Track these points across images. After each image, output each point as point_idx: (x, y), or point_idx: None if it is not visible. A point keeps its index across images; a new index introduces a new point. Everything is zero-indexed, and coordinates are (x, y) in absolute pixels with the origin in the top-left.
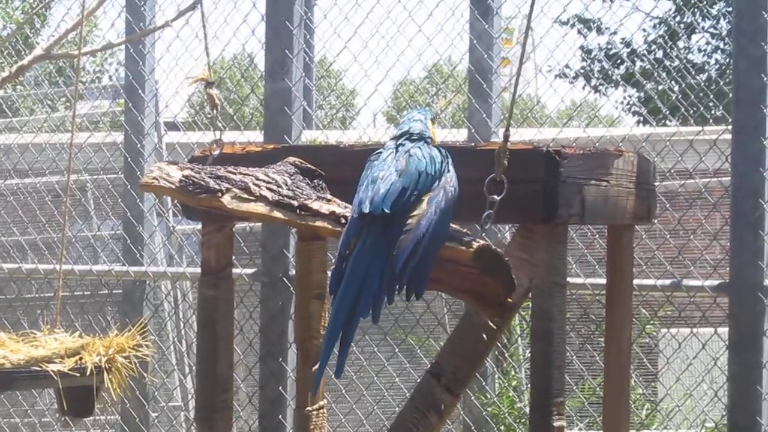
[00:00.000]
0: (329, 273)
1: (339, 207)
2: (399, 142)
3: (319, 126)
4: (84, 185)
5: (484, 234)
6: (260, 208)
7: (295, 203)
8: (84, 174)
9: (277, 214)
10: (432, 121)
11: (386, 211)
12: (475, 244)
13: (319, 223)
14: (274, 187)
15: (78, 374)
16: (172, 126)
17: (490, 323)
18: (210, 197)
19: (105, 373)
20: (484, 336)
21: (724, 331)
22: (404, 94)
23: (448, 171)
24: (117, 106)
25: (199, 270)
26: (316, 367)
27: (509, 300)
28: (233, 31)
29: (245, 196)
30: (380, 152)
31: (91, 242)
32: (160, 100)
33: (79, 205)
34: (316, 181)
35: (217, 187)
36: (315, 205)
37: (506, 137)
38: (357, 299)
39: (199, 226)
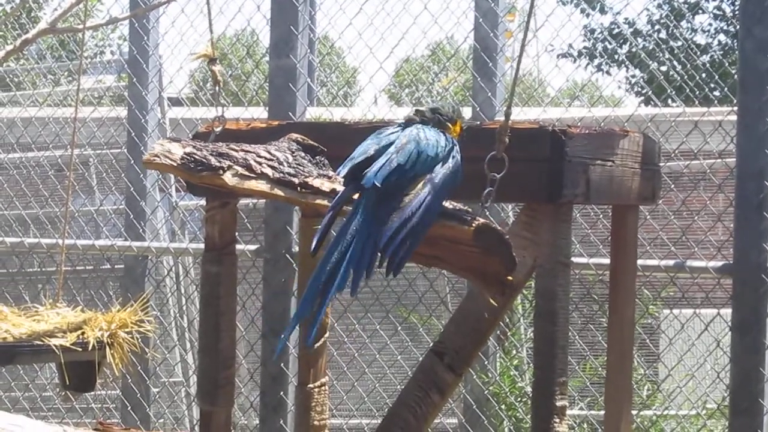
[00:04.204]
0: None
1: (340, 185)
2: (410, 123)
3: (322, 103)
4: (87, 160)
5: (486, 212)
6: (261, 185)
7: (296, 181)
8: (87, 148)
9: (278, 191)
10: (454, 124)
11: (378, 185)
12: (475, 223)
13: (319, 201)
14: (276, 165)
15: (80, 349)
16: (175, 101)
17: (492, 301)
18: (211, 175)
19: (107, 348)
20: (486, 315)
21: (727, 312)
22: (408, 72)
23: (453, 158)
24: (120, 80)
25: (201, 246)
26: (316, 344)
27: (510, 279)
28: (238, 7)
29: (246, 173)
30: (388, 126)
31: (94, 217)
32: (164, 75)
33: (82, 179)
34: (318, 157)
35: (218, 164)
36: (316, 183)
37: (507, 115)
38: (336, 268)
39: (203, 202)
